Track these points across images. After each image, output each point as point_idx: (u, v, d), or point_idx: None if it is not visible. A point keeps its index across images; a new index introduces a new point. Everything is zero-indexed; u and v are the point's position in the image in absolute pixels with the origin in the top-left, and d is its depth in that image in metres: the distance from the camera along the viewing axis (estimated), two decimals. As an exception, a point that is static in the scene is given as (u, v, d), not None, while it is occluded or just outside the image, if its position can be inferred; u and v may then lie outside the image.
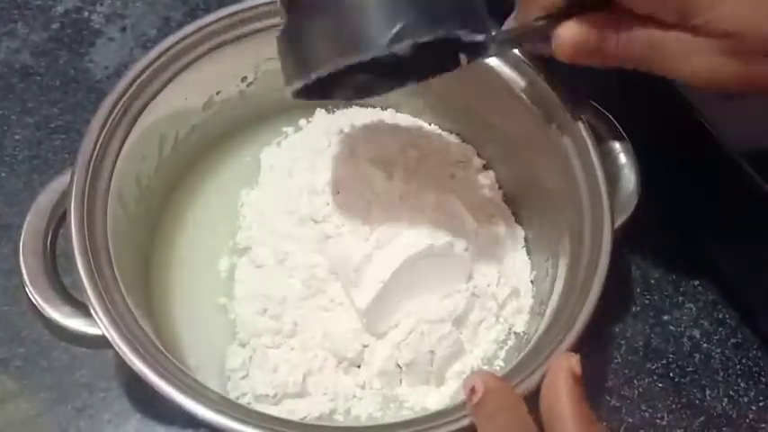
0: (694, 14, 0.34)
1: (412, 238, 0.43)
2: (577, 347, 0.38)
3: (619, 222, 0.42)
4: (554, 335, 0.38)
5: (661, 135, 0.51)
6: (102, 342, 0.37)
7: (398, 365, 0.44)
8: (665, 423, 0.48)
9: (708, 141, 0.46)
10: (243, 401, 0.42)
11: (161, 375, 0.35)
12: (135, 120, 0.43)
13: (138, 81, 0.43)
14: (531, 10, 0.38)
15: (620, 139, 0.45)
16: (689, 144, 0.49)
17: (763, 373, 0.49)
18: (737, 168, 0.45)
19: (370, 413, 0.43)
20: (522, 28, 0.38)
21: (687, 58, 0.36)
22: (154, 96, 0.44)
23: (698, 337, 0.50)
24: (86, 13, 0.60)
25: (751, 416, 0.48)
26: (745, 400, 0.49)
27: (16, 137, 0.55)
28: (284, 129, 0.52)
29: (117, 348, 0.36)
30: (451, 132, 0.53)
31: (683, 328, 0.51)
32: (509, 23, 0.38)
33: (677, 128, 0.49)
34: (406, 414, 0.44)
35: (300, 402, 0.42)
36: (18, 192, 0.53)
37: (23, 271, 0.40)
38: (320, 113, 0.52)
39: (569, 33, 0.38)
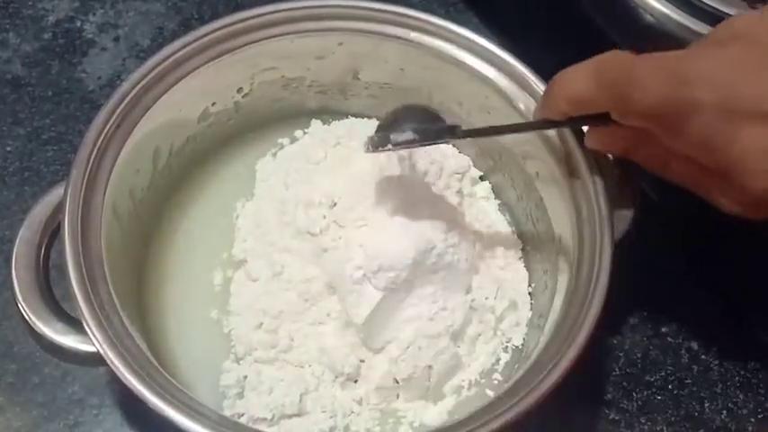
0: (735, 175, 0.35)
1: (409, 251, 0.43)
2: (578, 361, 0.38)
3: (618, 234, 0.42)
4: (555, 349, 0.38)
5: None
6: (95, 359, 0.37)
7: (396, 380, 0.43)
8: (664, 436, 0.47)
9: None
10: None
11: (158, 395, 0.35)
12: (129, 132, 0.43)
13: (133, 93, 0.43)
14: (541, 114, 0.41)
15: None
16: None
17: (761, 384, 0.49)
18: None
19: (368, 429, 0.43)
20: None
21: (719, 195, 0.37)
22: (148, 108, 0.43)
23: (696, 348, 0.50)
24: (79, 23, 0.60)
25: (750, 428, 0.48)
26: (744, 411, 0.48)
27: (8, 148, 0.54)
28: (280, 140, 0.51)
29: (112, 366, 0.36)
30: (448, 143, 0.52)
31: (681, 340, 0.51)
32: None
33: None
34: (405, 430, 0.43)
35: (299, 421, 0.42)
36: (9, 204, 0.52)
37: (15, 286, 0.39)
38: (316, 124, 0.52)
39: (594, 142, 0.42)
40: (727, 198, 0.37)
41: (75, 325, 0.37)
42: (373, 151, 0.42)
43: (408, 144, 0.41)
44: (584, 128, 0.43)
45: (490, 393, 0.45)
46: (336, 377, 0.43)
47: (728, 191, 0.37)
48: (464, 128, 0.42)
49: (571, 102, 0.39)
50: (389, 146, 0.41)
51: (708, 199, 0.38)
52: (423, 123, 0.41)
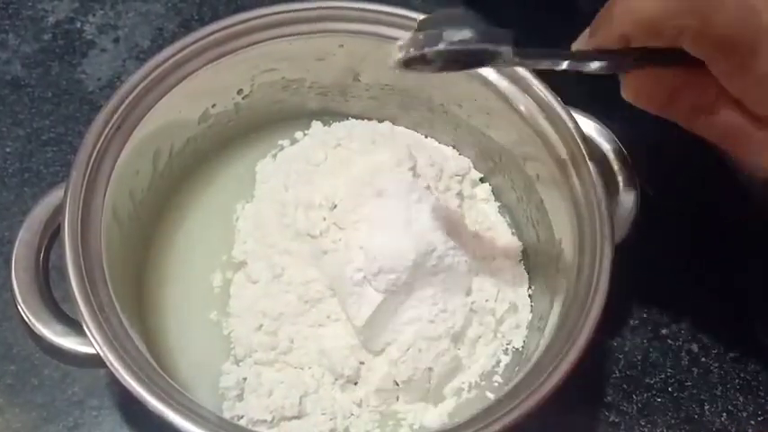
0: None
1: (410, 253, 0.43)
2: (578, 364, 0.38)
3: (619, 237, 0.42)
4: (555, 352, 0.38)
5: (660, 146, 0.51)
6: (95, 361, 0.37)
7: (396, 383, 0.43)
8: (664, 438, 0.47)
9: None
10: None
11: (157, 397, 0.35)
12: (130, 133, 0.42)
13: (133, 94, 0.43)
14: (593, 42, 0.36)
15: (618, 152, 0.45)
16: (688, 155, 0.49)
17: (761, 387, 0.49)
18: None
19: (368, 431, 0.43)
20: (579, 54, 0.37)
21: (764, 153, 0.35)
22: (149, 109, 0.43)
23: (696, 351, 0.50)
24: (79, 24, 0.60)
25: (750, 431, 0.48)
26: (744, 414, 0.48)
27: (7, 149, 0.54)
28: (280, 141, 0.51)
29: (112, 368, 0.36)
30: (448, 145, 0.52)
31: (681, 342, 0.50)
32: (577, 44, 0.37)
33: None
34: (405, 432, 0.43)
35: (299, 424, 0.42)
36: (9, 205, 0.52)
37: (15, 287, 0.39)
38: (316, 126, 0.52)
39: (634, 90, 0.37)
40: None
41: (75, 327, 0.37)
42: (414, 54, 0.33)
43: (464, 47, 0.33)
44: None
45: (490, 396, 0.45)
46: (336, 379, 0.43)
47: None
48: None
49: (640, 22, 0.34)
50: (442, 45, 0.33)
51: (748, 158, 0.35)
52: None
